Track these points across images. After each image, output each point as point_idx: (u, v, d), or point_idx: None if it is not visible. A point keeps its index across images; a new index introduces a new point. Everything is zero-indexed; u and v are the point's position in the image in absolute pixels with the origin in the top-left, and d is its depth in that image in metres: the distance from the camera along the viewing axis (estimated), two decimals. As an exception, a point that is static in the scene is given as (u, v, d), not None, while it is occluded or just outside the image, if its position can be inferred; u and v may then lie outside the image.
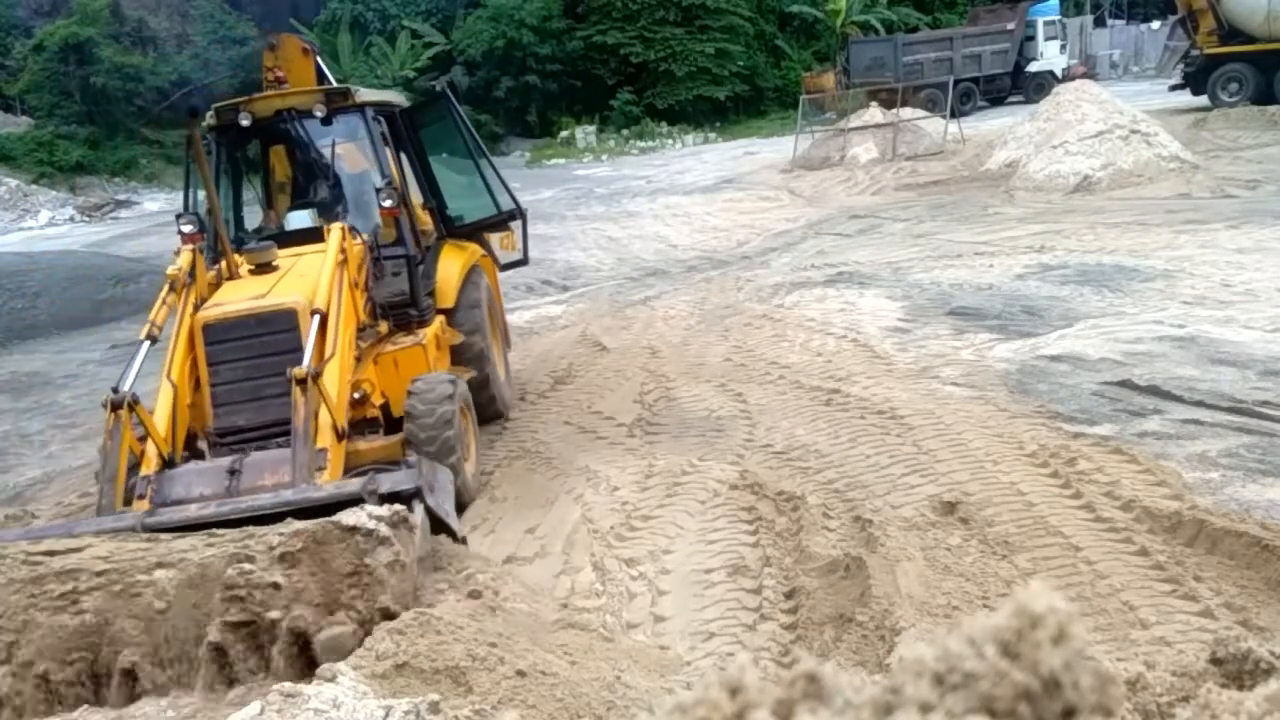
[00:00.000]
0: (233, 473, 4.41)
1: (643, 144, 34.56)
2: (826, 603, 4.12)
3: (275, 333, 4.95)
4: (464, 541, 4.55)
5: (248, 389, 4.91)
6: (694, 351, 8.54)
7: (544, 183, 24.80)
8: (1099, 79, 27.26)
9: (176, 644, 3.47)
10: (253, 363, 4.92)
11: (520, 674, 3.25)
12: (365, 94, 6.60)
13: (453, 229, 7.68)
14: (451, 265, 7.08)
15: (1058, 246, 10.94)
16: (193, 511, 4.00)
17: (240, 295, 5.15)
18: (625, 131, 35.66)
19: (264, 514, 3.84)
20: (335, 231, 5.48)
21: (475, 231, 7.93)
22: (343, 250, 5.39)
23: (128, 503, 4.35)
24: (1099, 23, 41.94)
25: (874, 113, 22.71)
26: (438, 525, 4.18)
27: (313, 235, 5.90)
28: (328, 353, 4.83)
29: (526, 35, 35.00)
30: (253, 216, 7.09)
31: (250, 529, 3.65)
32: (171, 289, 5.05)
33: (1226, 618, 3.67)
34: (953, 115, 22.49)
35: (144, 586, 3.46)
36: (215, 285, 5.39)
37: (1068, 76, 27.03)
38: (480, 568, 4.32)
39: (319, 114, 6.24)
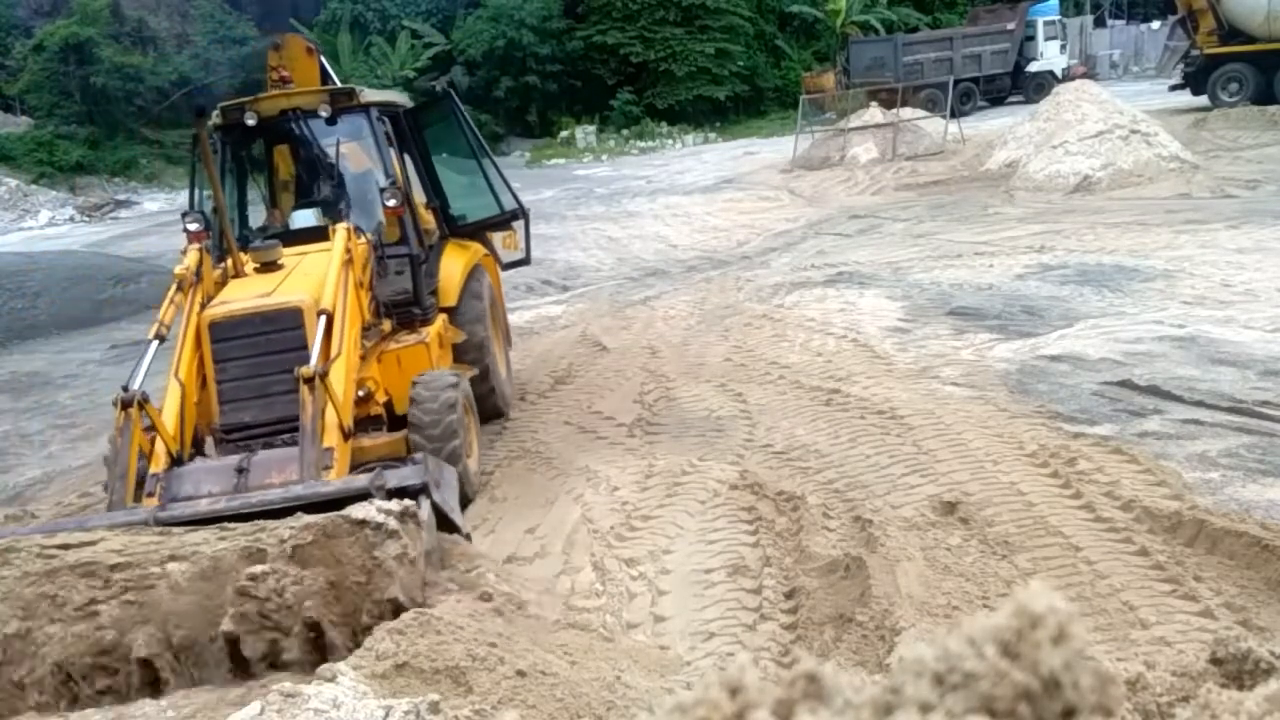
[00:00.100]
0: (240, 471, 4.45)
1: (643, 144, 34.56)
2: (826, 603, 4.12)
3: (281, 331, 5.00)
4: (468, 538, 4.59)
5: (254, 386, 4.96)
6: (694, 351, 8.54)
7: (544, 183, 24.80)
8: (1099, 79, 27.26)
9: (190, 635, 3.54)
10: (258, 360, 4.97)
11: (520, 674, 3.25)
12: (370, 94, 6.64)
13: (455, 228, 7.72)
14: (454, 264, 7.13)
15: (1058, 246, 10.94)
16: (204, 506, 4.06)
17: (246, 293, 5.19)
18: (625, 131, 35.66)
19: (274, 509, 3.90)
20: (341, 232, 5.52)
21: (478, 231, 7.98)
22: (348, 250, 5.43)
23: (137, 500, 4.39)
24: (1099, 23, 41.94)
25: (874, 113, 22.71)
26: (443, 522, 4.22)
27: (317, 234, 5.94)
28: (333, 352, 4.87)
29: (526, 35, 35.00)
30: (256, 215, 7.12)
31: (261, 523, 3.71)
32: (179, 288, 5.08)
33: (1226, 618, 3.67)
34: (953, 115, 22.49)
35: (157, 579, 3.52)
36: (221, 284, 5.42)
37: (1068, 76, 27.01)
38: (490, 566, 4.35)
39: (324, 114, 6.28)
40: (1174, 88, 24.08)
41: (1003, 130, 18.87)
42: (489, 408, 7.04)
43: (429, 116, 7.89)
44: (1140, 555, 4.23)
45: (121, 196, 30.64)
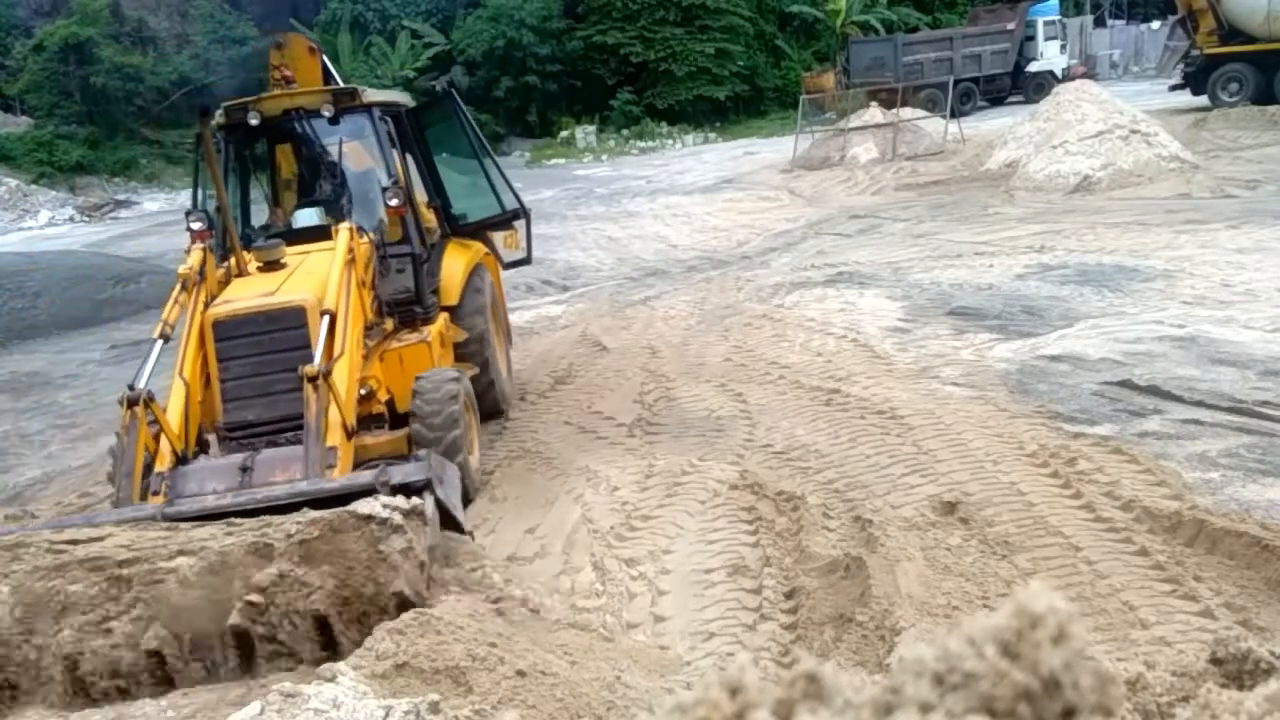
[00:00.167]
0: (245, 469, 4.50)
1: (643, 144, 34.56)
2: (826, 603, 4.12)
3: (284, 330, 5.03)
4: (471, 536, 4.62)
5: (257, 385, 5.00)
6: (694, 351, 8.54)
7: (544, 183, 24.80)
8: (1099, 79, 27.26)
9: (199, 629, 3.60)
10: (262, 359, 5.00)
11: (520, 674, 3.25)
12: (372, 94, 6.68)
13: (457, 227, 7.76)
14: (456, 263, 7.16)
15: (1058, 246, 10.94)
16: (210, 501, 4.13)
17: (250, 292, 5.22)
18: (625, 131, 35.66)
19: (280, 504, 3.95)
20: (344, 232, 5.55)
21: (479, 230, 8.01)
22: (350, 250, 5.46)
23: (143, 498, 4.43)
24: (1099, 23, 41.94)
25: (874, 113, 22.71)
26: (446, 519, 4.26)
27: (319, 233, 5.98)
28: (336, 351, 4.90)
29: (526, 35, 35.00)
30: (258, 214, 7.14)
31: (268, 518, 3.76)
32: (183, 287, 5.13)
33: (1226, 618, 3.67)
34: (953, 115, 22.49)
35: (166, 574, 3.57)
36: (224, 283, 5.46)
37: (1068, 76, 27.01)
38: (495, 566, 4.39)
39: (327, 114, 6.32)
40: (1174, 88, 24.08)
41: (1003, 130, 18.87)
42: (489, 406, 7.07)
43: (431, 116, 7.94)
44: (1140, 555, 4.23)
45: (121, 196, 30.64)
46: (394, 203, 6.27)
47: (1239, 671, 1.91)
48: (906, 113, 22.82)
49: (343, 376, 4.85)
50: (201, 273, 5.22)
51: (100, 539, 3.70)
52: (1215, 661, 1.97)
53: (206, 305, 5.12)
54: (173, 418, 4.66)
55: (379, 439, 5.46)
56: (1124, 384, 6.44)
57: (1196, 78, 22.90)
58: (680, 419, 6.88)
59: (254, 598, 3.57)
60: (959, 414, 6.19)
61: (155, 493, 4.43)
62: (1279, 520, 4.33)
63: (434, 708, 2.82)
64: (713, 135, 35.68)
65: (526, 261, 8.61)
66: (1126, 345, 7.20)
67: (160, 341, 4.96)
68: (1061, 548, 4.39)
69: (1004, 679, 0.62)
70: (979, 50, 31.91)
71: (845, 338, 8.32)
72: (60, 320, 12.96)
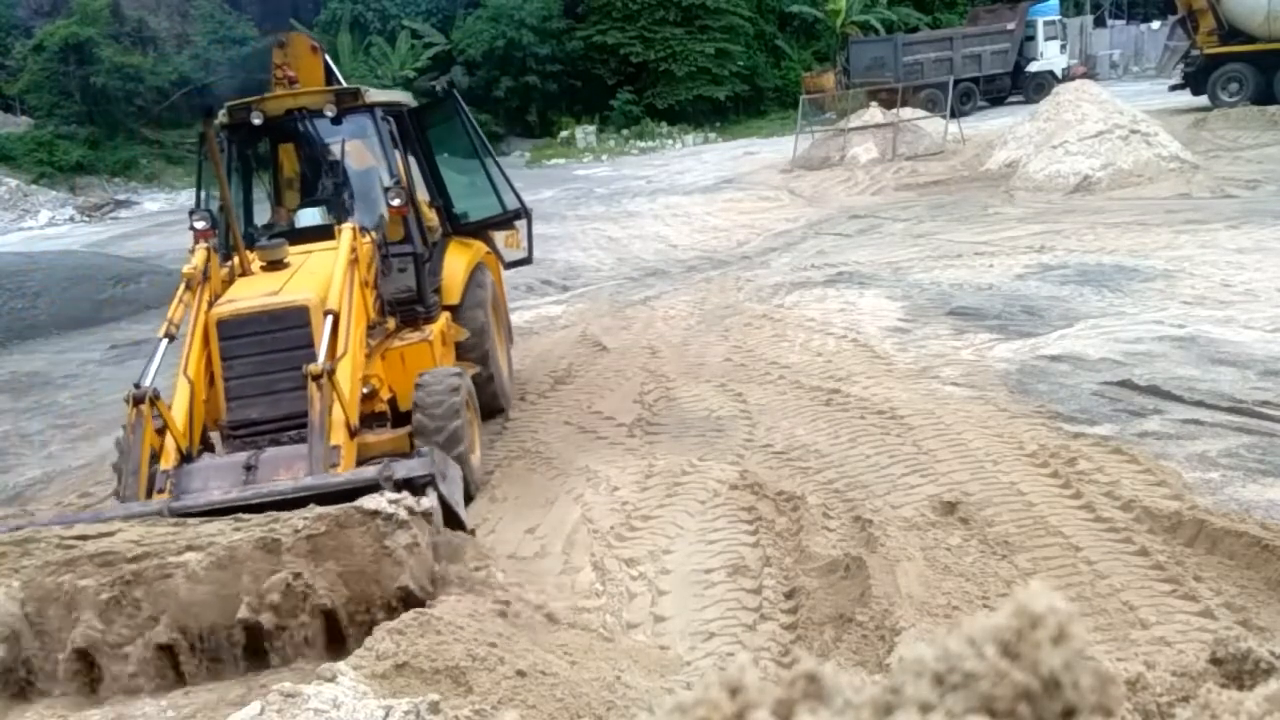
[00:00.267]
0: (249, 468, 4.55)
1: (643, 144, 34.55)
2: (826, 603, 4.12)
3: (288, 329, 5.07)
4: (473, 533, 4.66)
5: (261, 384, 5.04)
6: (694, 351, 8.54)
7: (544, 183, 24.80)
8: (1099, 79, 27.25)
9: (208, 623, 3.66)
10: (266, 358, 5.05)
11: (520, 674, 3.25)
12: (374, 94, 6.72)
13: (458, 227, 7.80)
14: (457, 263, 7.19)
15: (1058, 246, 10.94)
16: (217, 496, 4.19)
17: (253, 292, 5.26)
18: (625, 131, 35.65)
19: (285, 499, 4.00)
20: (347, 232, 5.60)
21: (480, 229, 8.06)
22: (353, 249, 5.50)
23: (148, 495, 4.48)
24: (1099, 23, 41.93)
25: (874, 113, 22.71)
26: (448, 516, 4.30)
27: (322, 232, 6.01)
28: (340, 351, 4.94)
29: (526, 35, 34.99)
30: (261, 213, 7.16)
31: (275, 514, 3.81)
32: (187, 287, 5.17)
33: (1226, 618, 3.67)
34: (953, 115, 22.49)
35: (174, 569, 3.63)
36: (228, 282, 5.49)
37: (1068, 76, 27.01)
38: (501, 566, 4.42)
39: (329, 114, 6.35)
40: (1174, 88, 24.08)
41: (1003, 130, 18.87)
42: (491, 404, 7.10)
43: (433, 116, 8.00)
44: (1140, 555, 4.23)
45: (121, 196, 30.63)
46: (396, 202, 6.33)
47: (1239, 671, 1.91)
48: (906, 113, 22.82)
49: (346, 375, 4.90)
50: (205, 272, 5.26)
51: (110, 534, 3.75)
52: (1215, 661, 1.97)
53: (211, 304, 5.16)
54: (177, 416, 4.71)
55: (381, 437, 5.51)
56: (1124, 384, 6.44)
57: (1196, 78, 22.89)
58: (680, 419, 6.88)
59: (274, 598, 3.63)
60: (959, 414, 6.19)
61: (160, 490, 4.48)
62: (1279, 520, 4.33)
63: (434, 708, 2.82)
64: (713, 135, 35.67)
65: (528, 261, 8.65)
66: (1126, 345, 7.20)
67: (165, 340, 5.01)
68: (1061, 548, 4.39)
69: (1004, 679, 0.62)
70: (979, 50, 31.91)
71: (845, 338, 8.32)
72: (60, 320, 12.96)
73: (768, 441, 6.25)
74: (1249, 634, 3.11)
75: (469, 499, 5.40)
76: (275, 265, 5.51)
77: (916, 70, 30.60)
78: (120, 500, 4.54)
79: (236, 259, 5.60)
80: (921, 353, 7.67)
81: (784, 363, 7.82)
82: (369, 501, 3.76)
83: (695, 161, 27.66)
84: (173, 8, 36.16)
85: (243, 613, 3.61)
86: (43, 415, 9.18)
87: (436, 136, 7.81)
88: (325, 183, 6.59)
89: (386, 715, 2.81)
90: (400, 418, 5.82)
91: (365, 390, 5.43)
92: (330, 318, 4.97)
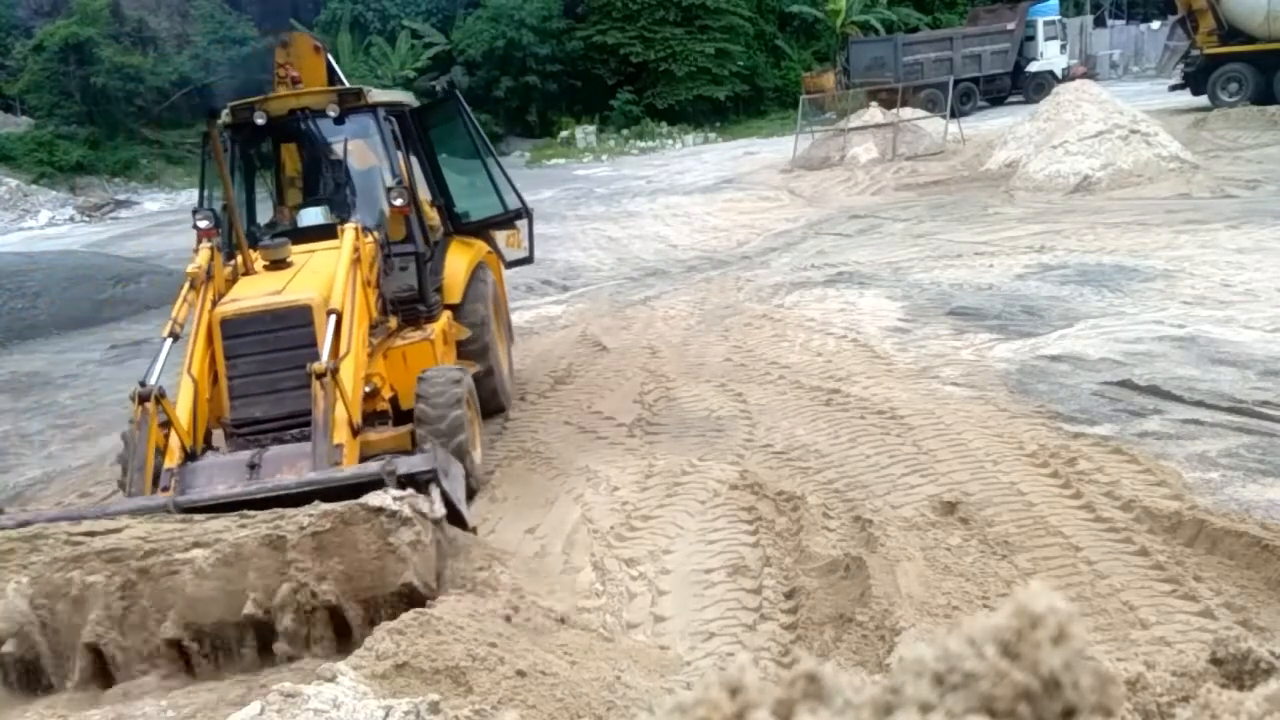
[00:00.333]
0: (253, 466, 4.60)
1: (643, 144, 34.55)
2: (826, 603, 4.12)
3: (290, 328, 5.11)
4: (474, 531, 4.69)
5: (264, 382, 5.08)
6: (694, 351, 8.54)
7: (544, 183, 24.79)
8: (1099, 79, 27.26)
9: (215, 619, 3.72)
10: (269, 357, 5.09)
11: (520, 674, 3.25)
12: (377, 94, 6.76)
13: (460, 226, 7.85)
14: (458, 262, 7.22)
15: (1058, 246, 10.94)
16: (222, 490, 4.24)
17: (257, 291, 5.30)
18: (625, 131, 35.65)
19: (290, 494, 4.05)
20: (349, 231, 5.63)
21: (482, 229, 8.11)
22: (356, 249, 5.54)
23: (153, 493, 4.50)
24: (1099, 23, 41.93)
25: (874, 113, 22.70)
26: (450, 513, 4.33)
27: (324, 231, 6.06)
28: (342, 350, 4.98)
29: (526, 35, 34.98)
30: (263, 212, 7.18)
31: (280, 510, 3.85)
32: (191, 286, 5.21)
33: (1226, 618, 3.67)
34: (953, 115, 22.48)
35: (182, 565, 3.68)
36: (231, 281, 5.53)
37: (1068, 76, 27.02)
38: (505, 566, 4.47)
39: (332, 114, 6.38)
40: (1174, 88, 24.08)
41: (1003, 130, 18.87)
42: (491, 403, 7.14)
43: (435, 116, 8.06)
44: (1140, 555, 4.23)
45: (121, 196, 30.63)
46: (399, 202, 6.38)
47: (1239, 671, 1.91)
48: (906, 113, 22.82)
49: (349, 374, 4.94)
50: (209, 271, 5.30)
51: (117, 531, 3.80)
52: (1215, 661, 1.97)
53: (214, 303, 5.20)
54: (181, 414, 4.75)
55: (383, 435, 5.55)
56: (1124, 384, 6.44)
57: (1196, 78, 22.89)
58: (680, 419, 6.88)
59: (268, 590, 3.67)
60: (959, 414, 6.19)
61: (165, 488, 4.51)
62: (1279, 520, 4.33)
63: (434, 708, 2.82)
64: (713, 135, 35.67)
65: (528, 260, 8.69)
66: (1126, 345, 7.20)
67: (170, 340, 5.04)
68: (1061, 548, 4.39)
69: (1004, 679, 0.62)
70: (979, 50, 31.90)
71: (845, 338, 8.32)
72: (60, 320, 12.96)
73: (768, 441, 6.25)
74: (1249, 634, 3.11)
75: (471, 495, 5.43)
76: (278, 264, 5.55)
77: (916, 70, 30.60)
78: (126, 496, 4.59)
79: (240, 258, 5.63)
80: (921, 353, 7.67)
81: (784, 363, 7.82)
82: (374, 499, 3.80)
83: (695, 161, 27.66)
84: (173, 8, 36.16)
85: (249, 609, 3.66)
86: (43, 415, 9.18)
87: (438, 136, 7.86)
88: (327, 182, 6.64)
89: (386, 715, 2.81)
90: (402, 416, 5.86)
91: (367, 389, 5.47)
92: (333, 317, 5.02)
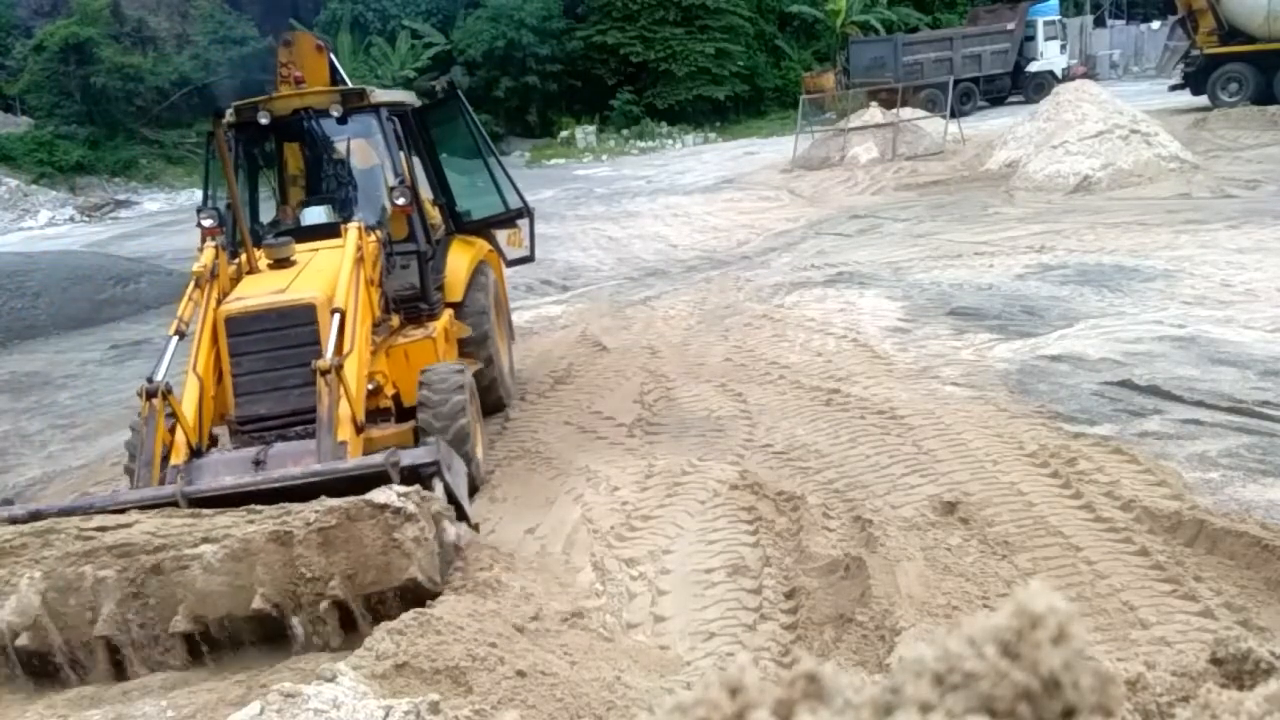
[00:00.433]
0: (258, 463, 4.66)
1: (643, 144, 34.54)
2: (826, 603, 4.12)
3: (294, 326, 5.17)
4: (476, 527, 4.75)
5: (269, 379, 5.15)
6: (694, 351, 8.54)
7: (544, 182, 24.79)
8: (1099, 79, 27.24)
9: (224, 612, 3.80)
10: (273, 354, 5.15)
11: (520, 674, 3.25)
12: (380, 94, 6.81)
13: (461, 225, 7.91)
14: (460, 260, 7.27)
15: (1058, 246, 10.94)
16: (229, 481, 4.31)
17: (261, 289, 5.35)
18: (625, 131, 35.64)
19: (296, 485, 4.12)
20: (352, 230, 5.68)
21: (483, 228, 8.16)
22: (359, 248, 5.59)
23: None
24: (1099, 23, 41.92)
25: (874, 113, 22.69)
26: (454, 508, 4.38)
27: (327, 230, 6.10)
28: (346, 348, 5.03)
29: (526, 35, 34.97)
30: (265, 211, 7.21)
31: (287, 506, 3.92)
32: (197, 285, 5.27)
33: (1226, 618, 3.67)
34: (953, 115, 22.48)
35: (191, 560, 3.76)
36: (236, 279, 5.58)
37: (1068, 76, 27.00)
38: (514, 566, 4.51)
39: (335, 113, 6.43)
40: (1174, 88, 24.08)
41: (1003, 130, 18.87)
42: (492, 401, 7.18)
43: (437, 115, 8.11)
44: (1140, 555, 4.23)
45: (121, 196, 30.61)
46: (401, 201, 6.43)
47: (1239, 671, 1.91)
48: (906, 113, 22.81)
49: (352, 372, 4.99)
50: (214, 270, 5.36)
51: (128, 526, 3.88)
52: (1215, 661, 1.97)
53: (219, 302, 5.26)
54: (187, 412, 4.81)
55: (386, 431, 5.60)
56: (1124, 384, 6.44)
57: (1196, 78, 22.90)
58: (680, 419, 6.88)
59: (276, 585, 3.72)
60: (959, 414, 6.19)
61: (172, 484, 4.54)
62: (1279, 520, 4.33)
63: (434, 708, 2.82)
64: (713, 135, 35.66)
65: (529, 259, 8.73)
66: (1126, 345, 7.20)
67: (176, 338, 5.11)
68: (1061, 548, 4.39)
69: (1004, 679, 0.62)
70: (979, 50, 31.90)
71: (845, 338, 8.32)
72: (60, 320, 12.96)
73: (768, 441, 6.25)
74: (1249, 634, 3.11)
75: (473, 491, 5.49)
76: (282, 263, 5.60)
77: (916, 70, 30.59)
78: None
79: (244, 256, 5.69)
80: (921, 353, 7.67)
81: (784, 363, 7.82)
82: (379, 495, 3.86)
83: (695, 161, 27.66)
84: (173, 8, 36.14)
85: (257, 603, 3.73)
86: (43, 415, 9.18)
87: (440, 136, 7.93)
88: (330, 181, 6.71)
89: (386, 715, 2.81)
90: (404, 414, 5.91)
91: (370, 386, 5.52)
92: (337, 315, 5.07)
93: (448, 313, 6.78)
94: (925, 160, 19.97)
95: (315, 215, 6.45)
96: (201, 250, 5.51)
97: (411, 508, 3.86)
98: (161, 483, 4.54)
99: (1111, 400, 6.20)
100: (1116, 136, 15.12)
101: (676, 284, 11.66)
